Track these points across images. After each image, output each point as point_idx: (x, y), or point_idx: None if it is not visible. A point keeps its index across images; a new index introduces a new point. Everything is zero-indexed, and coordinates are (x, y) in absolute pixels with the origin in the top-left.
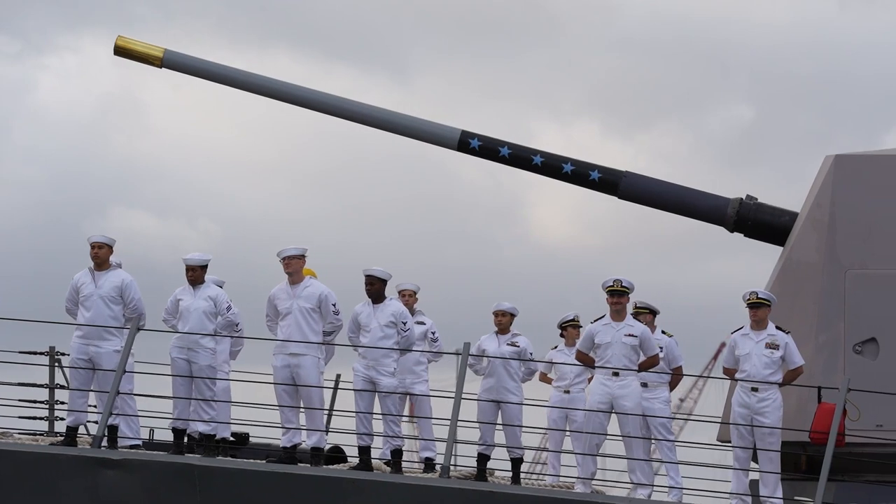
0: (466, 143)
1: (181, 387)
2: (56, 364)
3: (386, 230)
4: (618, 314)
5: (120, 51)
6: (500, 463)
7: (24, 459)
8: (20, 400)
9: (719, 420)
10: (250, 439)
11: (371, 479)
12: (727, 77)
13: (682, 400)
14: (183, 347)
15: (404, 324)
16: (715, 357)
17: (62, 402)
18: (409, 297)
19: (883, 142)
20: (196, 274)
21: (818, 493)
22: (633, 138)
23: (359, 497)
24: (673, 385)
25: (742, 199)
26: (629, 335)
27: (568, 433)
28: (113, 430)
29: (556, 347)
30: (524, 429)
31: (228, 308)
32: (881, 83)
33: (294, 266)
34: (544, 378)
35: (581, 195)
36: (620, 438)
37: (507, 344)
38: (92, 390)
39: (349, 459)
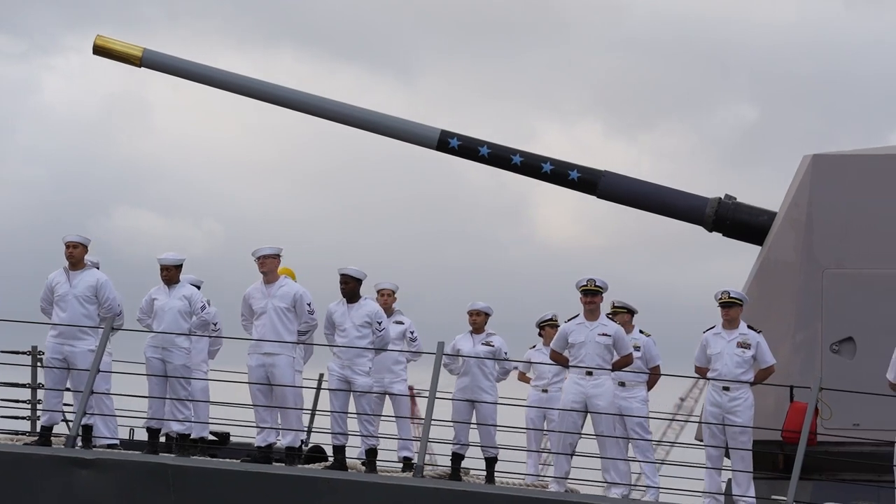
0: (446, 143)
1: (156, 386)
2: (38, 364)
3: (386, 230)
4: (591, 313)
5: (99, 50)
6: (476, 462)
7: None
8: (3, 399)
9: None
10: (231, 439)
11: (345, 478)
12: (727, 77)
13: (682, 399)
14: (157, 347)
15: (379, 323)
16: None
17: None
18: (387, 297)
19: (887, 141)
20: (170, 273)
21: (790, 492)
22: (637, 138)
23: (333, 497)
24: (650, 384)
25: (721, 198)
26: (603, 334)
27: (545, 433)
28: (87, 429)
29: (534, 347)
30: (499, 428)
31: (203, 308)
32: (883, 83)
33: (269, 265)
34: (523, 377)
35: (583, 195)
36: (594, 438)
37: (482, 343)
38: (67, 389)
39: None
